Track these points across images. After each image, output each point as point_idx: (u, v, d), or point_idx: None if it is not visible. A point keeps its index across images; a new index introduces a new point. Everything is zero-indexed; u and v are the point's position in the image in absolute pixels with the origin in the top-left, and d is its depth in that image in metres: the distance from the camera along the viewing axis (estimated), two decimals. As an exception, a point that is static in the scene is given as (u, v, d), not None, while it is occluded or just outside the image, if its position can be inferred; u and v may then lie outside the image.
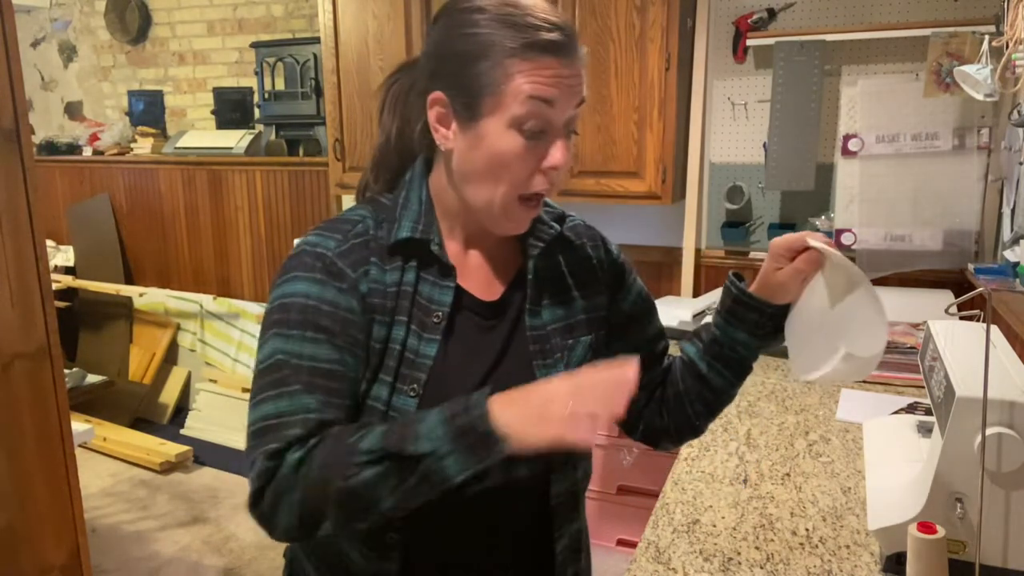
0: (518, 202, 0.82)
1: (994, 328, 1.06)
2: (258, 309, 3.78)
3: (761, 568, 1.09)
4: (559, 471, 0.92)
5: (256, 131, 3.84)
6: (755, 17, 2.44)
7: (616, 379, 0.71)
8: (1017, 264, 1.83)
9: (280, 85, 3.61)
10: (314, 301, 0.80)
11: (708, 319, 2.30)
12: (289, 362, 0.79)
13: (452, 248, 0.90)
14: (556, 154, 0.80)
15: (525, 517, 0.92)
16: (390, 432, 0.73)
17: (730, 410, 1.71)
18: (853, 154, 2.34)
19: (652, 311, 1.03)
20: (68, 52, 4.59)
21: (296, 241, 0.87)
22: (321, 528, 0.76)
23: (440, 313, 0.85)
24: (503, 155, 0.80)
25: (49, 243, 4.32)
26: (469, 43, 0.80)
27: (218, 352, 3.97)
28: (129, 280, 4.32)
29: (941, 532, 0.91)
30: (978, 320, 1.31)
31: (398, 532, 0.85)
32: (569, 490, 0.93)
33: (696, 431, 1.01)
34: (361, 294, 0.82)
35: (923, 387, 1.54)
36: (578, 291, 0.95)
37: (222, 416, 3.80)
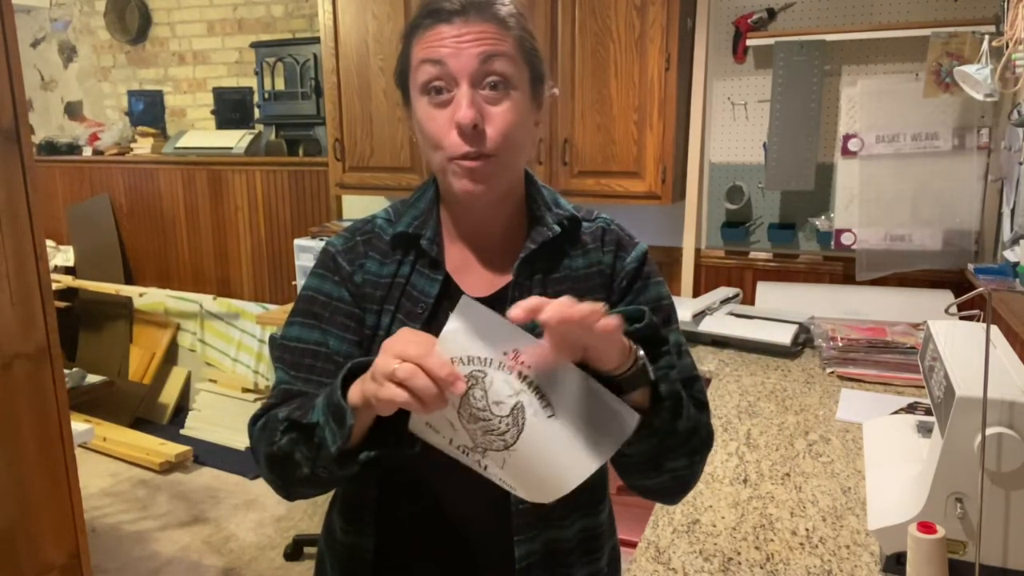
0: (451, 165, 0.84)
1: (994, 328, 1.06)
2: (258, 309, 3.78)
3: (761, 568, 1.09)
4: None
5: (256, 131, 3.84)
6: (755, 17, 2.44)
7: (416, 337, 0.71)
8: (1017, 264, 1.83)
9: (280, 85, 3.61)
10: (313, 292, 0.93)
11: (708, 319, 2.32)
12: (286, 345, 0.92)
13: (455, 243, 0.93)
14: (459, 110, 0.81)
15: (488, 517, 0.91)
16: (304, 405, 0.82)
17: (730, 410, 1.71)
18: (853, 154, 2.34)
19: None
20: (68, 52, 4.59)
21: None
22: (287, 486, 0.86)
23: (424, 304, 0.89)
24: (422, 122, 0.85)
25: (49, 243, 4.32)
26: (403, 38, 0.89)
27: (218, 352, 3.97)
28: (129, 280, 4.32)
29: (941, 532, 0.91)
30: (978, 320, 1.31)
31: (373, 512, 0.92)
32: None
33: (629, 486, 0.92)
34: (356, 284, 0.91)
35: (923, 387, 1.54)
36: (579, 297, 0.89)
37: (222, 416, 3.80)
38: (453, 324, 0.68)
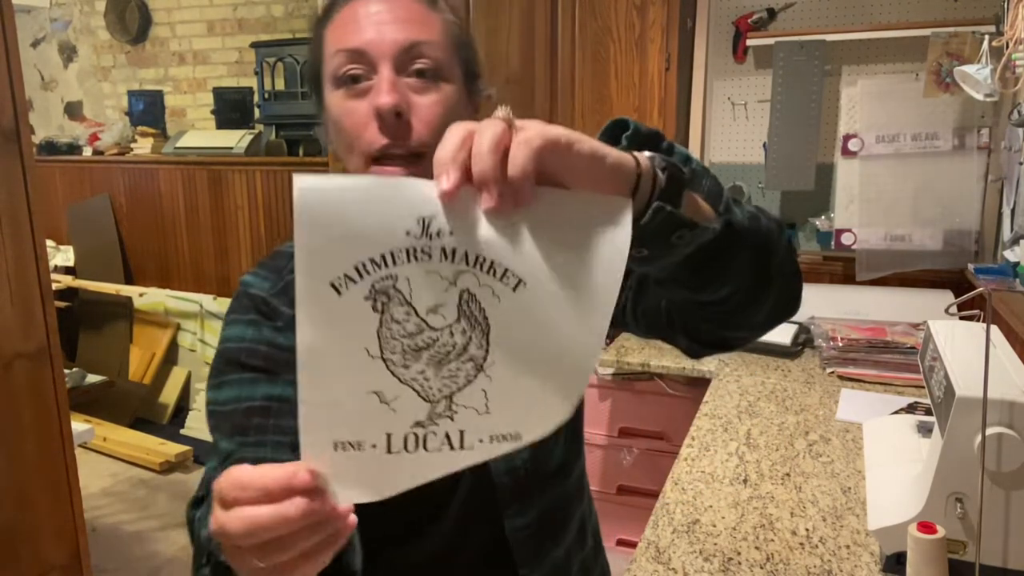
0: (373, 167, 0.71)
1: (994, 328, 1.06)
2: (258, 309, 3.78)
3: (761, 568, 1.09)
4: (509, 508, 0.83)
5: (256, 131, 3.84)
6: (755, 17, 2.44)
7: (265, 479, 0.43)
8: (1017, 264, 1.83)
9: (280, 85, 3.61)
10: (248, 343, 0.76)
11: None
12: (221, 411, 0.73)
13: None
14: (377, 95, 0.69)
15: (485, 547, 0.84)
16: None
17: (730, 410, 1.71)
18: (853, 154, 2.34)
19: None
20: (68, 52, 4.59)
21: (240, 278, 0.82)
22: None
23: None
24: (336, 119, 0.73)
25: (49, 243, 4.32)
26: (313, 28, 0.78)
27: (218, 352, 3.96)
28: (129, 280, 4.32)
29: (941, 532, 0.91)
30: (978, 320, 1.32)
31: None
32: (536, 521, 0.84)
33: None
34: None
35: (923, 387, 1.54)
36: None
37: (222, 416, 3.80)
38: (302, 230, 0.42)
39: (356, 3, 0.73)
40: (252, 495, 0.42)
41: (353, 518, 0.44)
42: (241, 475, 0.43)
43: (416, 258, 0.44)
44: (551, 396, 0.47)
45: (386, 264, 0.43)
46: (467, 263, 0.45)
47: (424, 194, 0.44)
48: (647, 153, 0.53)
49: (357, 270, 0.43)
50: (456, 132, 0.44)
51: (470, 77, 0.77)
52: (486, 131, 0.43)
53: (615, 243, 0.46)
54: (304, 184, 0.42)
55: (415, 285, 0.44)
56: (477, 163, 0.43)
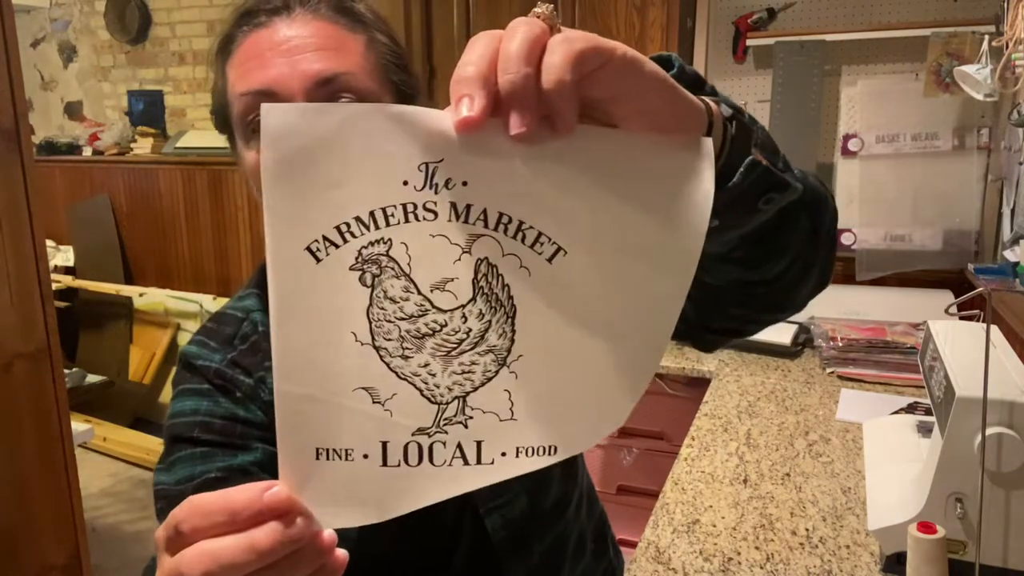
0: None
1: (994, 328, 1.06)
2: (258, 309, 3.78)
3: (761, 568, 1.09)
4: (509, 562, 0.77)
5: (256, 131, 3.85)
6: (755, 17, 2.44)
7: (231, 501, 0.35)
8: (1017, 264, 1.83)
9: (280, 85, 3.61)
10: (203, 416, 0.67)
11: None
12: (167, 493, 0.64)
13: None
14: None
15: (469, 554, 0.77)
16: None
17: (730, 410, 1.71)
18: (853, 154, 2.35)
19: None
20: (68, 52, 4.58)
21: (181, 349, 0.74)
22: None
23: None
24: (251, 176, 0.62)
25: (49, 243, 4.32)
26: (214, 59, 0.68)
27: (218, 352, 3.96)
28: (129, 280, 4.32)
29: (941, 532, 0.91)
30: (978, 320, 1.32)
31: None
32: (537, 566, 0.79)
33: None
34: (265, 403, 0.67)
35: (923, 387, 1.54)
36: None
37: (222, 416, 3.80)
38: (268, 174, 0.33)
39: (258, 32, 0.62)
40: (214, 522, 0.34)
41: (343, 552, 0.35)
42: (202, 500, 0.34)
43: (416, 217, 0.34)
44: (597, 400, 0.37)
45: (376, 224, 0.33)
46: (486, 224, 0.34)
47: (432, 129, 0.33)
48: (719, 104, 0.43)
49: (339, 231, 0.33)
50: (482, 42, 0.33)
51: (405, 101, 0.67)
52: (518, 31, 0.32)
53: (694, 202, 0.35)
54: (273, 112, 0.32)
55: (416, 253, 0.34)
56: (504, 71, 0.31)
